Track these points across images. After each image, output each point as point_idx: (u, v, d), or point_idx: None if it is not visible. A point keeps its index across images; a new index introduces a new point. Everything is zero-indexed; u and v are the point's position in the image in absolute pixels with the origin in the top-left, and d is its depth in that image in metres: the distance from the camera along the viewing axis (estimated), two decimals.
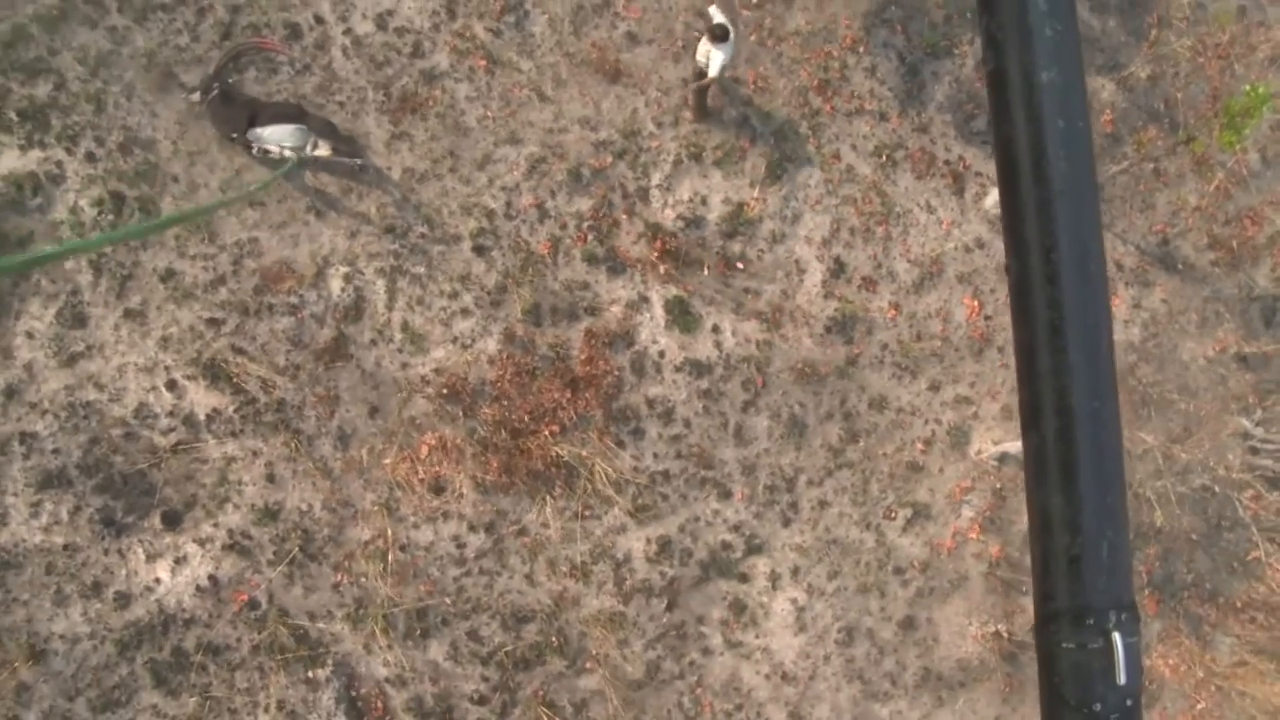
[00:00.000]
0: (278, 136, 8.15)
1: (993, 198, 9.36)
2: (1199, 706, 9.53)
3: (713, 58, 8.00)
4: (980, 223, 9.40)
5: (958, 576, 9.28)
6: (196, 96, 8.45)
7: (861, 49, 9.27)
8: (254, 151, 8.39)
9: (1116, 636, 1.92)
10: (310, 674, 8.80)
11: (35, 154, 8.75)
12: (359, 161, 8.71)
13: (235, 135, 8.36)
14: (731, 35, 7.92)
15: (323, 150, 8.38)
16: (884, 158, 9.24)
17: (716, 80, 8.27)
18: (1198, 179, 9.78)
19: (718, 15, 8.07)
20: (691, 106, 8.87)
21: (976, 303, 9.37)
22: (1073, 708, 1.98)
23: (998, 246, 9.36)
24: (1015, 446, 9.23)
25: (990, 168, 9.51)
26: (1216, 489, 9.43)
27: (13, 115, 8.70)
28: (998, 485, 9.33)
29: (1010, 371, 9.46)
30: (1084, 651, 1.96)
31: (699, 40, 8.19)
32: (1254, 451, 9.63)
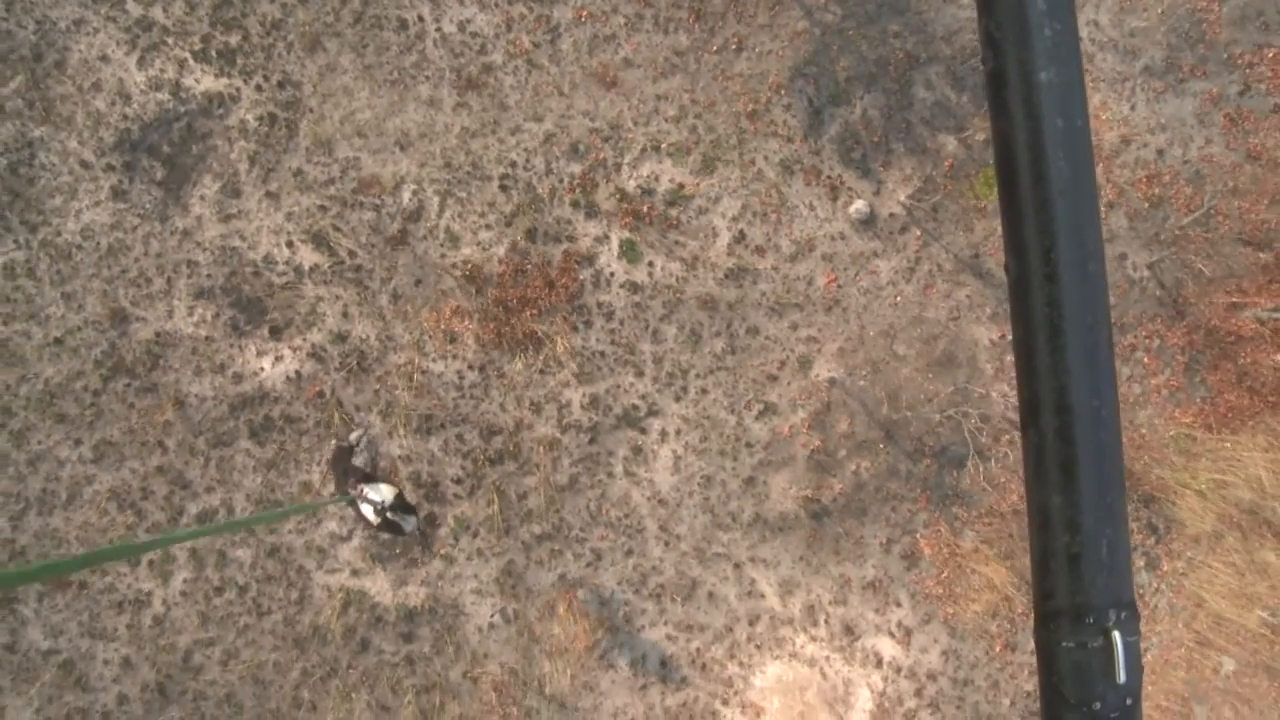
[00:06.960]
0: (382, 492, 12.09)
1: (856, 206, 13.60)
2: (943, 575, 13.87)
3: None
4: (844, 222, 13.70)
5: (788, 455, 13.65)
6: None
7: (783, 91, 13.56)
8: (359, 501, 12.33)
9: (1116, 635, 1.88)
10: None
11: (223, 81, 13.26)
12: (409, 529, 12.96)
13: (350, 487, 12.30)
14: None
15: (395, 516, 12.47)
16: (785, 168, 13.54)
17: None
18: None
19: None
20: None
21: (833, 275, 13.66)
22: (1072, 706, 1.94)
23: (855, 241, 13.63)
24: (840, 373, 13.54)
25: (860, 185, 13.76)
26: (962, 422, 13.73)
27: (214, 53, 13.20)
28: (826, 400, 13.67)
29: (847, 323, 13.77)
30: (1084, 650, 1.91)
31: None
32: (1001, 401, 13.86)
